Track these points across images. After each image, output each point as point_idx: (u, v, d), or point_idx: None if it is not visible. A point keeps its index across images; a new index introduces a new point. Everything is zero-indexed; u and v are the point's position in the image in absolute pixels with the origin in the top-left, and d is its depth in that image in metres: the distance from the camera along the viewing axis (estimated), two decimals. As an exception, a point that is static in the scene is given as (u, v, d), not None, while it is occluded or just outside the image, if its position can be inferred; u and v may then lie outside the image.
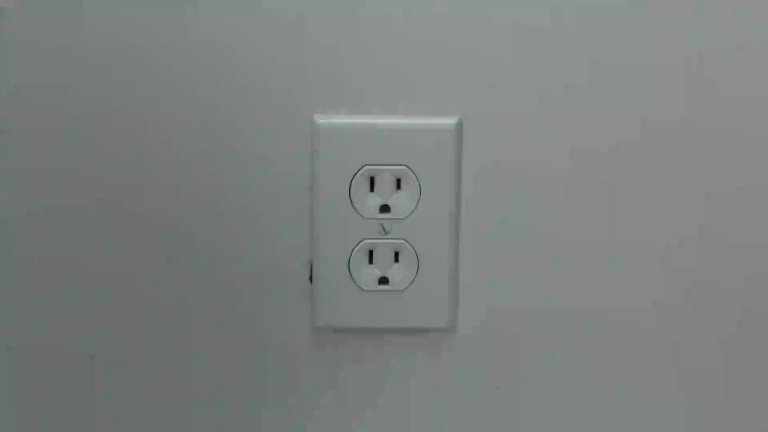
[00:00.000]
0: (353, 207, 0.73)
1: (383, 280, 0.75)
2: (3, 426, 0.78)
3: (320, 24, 0.71)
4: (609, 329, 0.77)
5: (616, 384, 0.78)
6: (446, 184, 0.73)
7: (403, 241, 0.74)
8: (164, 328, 0.76)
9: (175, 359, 0.77)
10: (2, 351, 0.76)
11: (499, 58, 0.72)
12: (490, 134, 0.73)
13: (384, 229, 0.74)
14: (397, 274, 0.75)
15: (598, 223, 0.75)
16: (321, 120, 0.72)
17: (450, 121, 0.72)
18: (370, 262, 0.75)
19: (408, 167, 0.73)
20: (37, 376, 0.77)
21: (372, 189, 0.73)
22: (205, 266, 0.75)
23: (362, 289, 0.75)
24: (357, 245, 0.74)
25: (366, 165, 0.73)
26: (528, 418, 0.79)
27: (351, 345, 0.77)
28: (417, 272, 0.74)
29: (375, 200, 0.73)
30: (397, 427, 0.79)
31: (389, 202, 0.73)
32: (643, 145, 0.74)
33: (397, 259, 0.75)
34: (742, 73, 0.72)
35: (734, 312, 0.77)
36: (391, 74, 0.72)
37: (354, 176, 0.73)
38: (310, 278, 0.75)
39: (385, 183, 0.73)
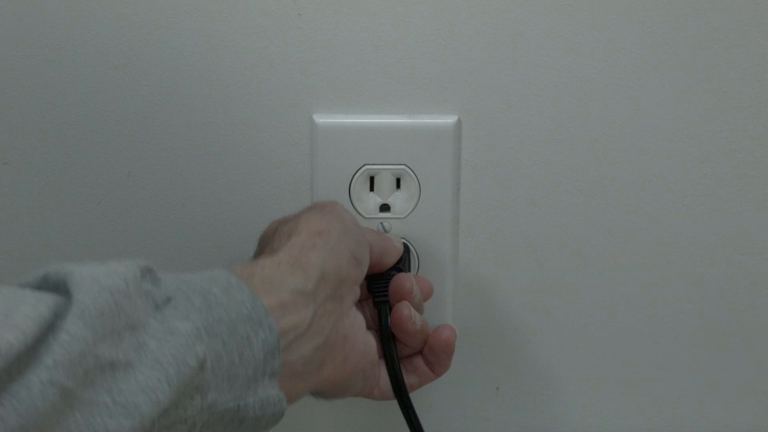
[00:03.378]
0: (353, 206, 0.73)
1: (384, 280, 0.75)
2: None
3: (321, 23, 0.71)
4: (609, 329, 0.77)
5: (617, 384, 0.78)
6: (446, 183, 0.73)
7: (404, 241, 0.74)
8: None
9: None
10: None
11: (499, 58, 0.72)
12: (490, 133, 0.73)
13: (384, 228, 0.74)
14: (397, 273, 0.75)
15: (597, 222, 0.75)
16: (320, 120, 0.72)
17: (449, 120, 0.72)
18: (370, 261, 0.74)
19: (408, 167, 0.73)
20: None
21: (372, 189, 0.73)
22: (206, 266, 0.75)
23: (362, 289, 0.75)
24: (357, 245, 0.74)
25: (366, 165, 0.73)
26: (528, 418, 0.79)
27: (351, 345, 0.77)
28: (417, 272, 0.74)
29: (375, 200, 0.73)
30: (397, 428, 0.79)
31: (389, 202, 0.73)
32: (643, 144, 0.74)
33: (397, 259, 0.75)
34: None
35: (736, 312, 0.77)
36: (392, 74, 0.72)
37: (354, 176, 0.73)
38: (310, 278, 0.75)
39: (384, 182, 0.73)
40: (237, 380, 0.54)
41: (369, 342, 0.65)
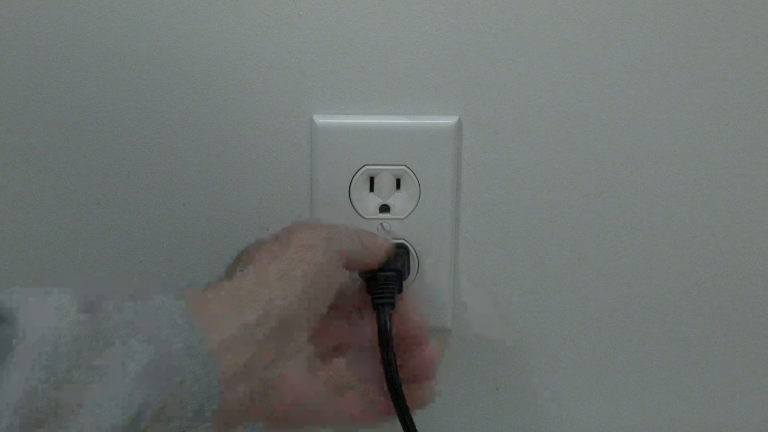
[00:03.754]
0: (353, 207, 0.73)
1: (383, 280, 0.75)
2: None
3: (321, 23, 0.71)
4: (609, 329, 0.77)
5: (617, 384, 0.78)
6: (446, 184, 0.73)
7: (402, 242, 0.74)
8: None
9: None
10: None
11: (499, 58, 0.72)
12: (490, 133, 0.73)
13: (384, 229, 0.74)
14: (397, 274, 0.75)
15: (597, 223, 0.75)
16: (320, 120, 0.72)
17: (450, 120, 0.72)
18: (370, 262, 0.74)
19: (408, 167, 0.73)
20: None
21: (372, 189, 0.73)
22: (206, 268, 0.75)
23: (362, 289, 0.75)
24: (357, 245, 0.74)
25: (366, 165, 0.73)
26: (528, 418, 0.79)
27: (351, 345, 0.77)
28: (417, 272, 0.74)
29: (375, 200, 0.73)
30: (397, 428, 0.79)
31: (389, 202, 0.73)
32: (644, 144, 0.74)
33: (397, 260, 0.75)
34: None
35: (736, 312, 0.77)
36: (392, 74, 0.72)
37: (354, 176, 0.73)
38: (310, 278, 0.75)
39: (385, 183, 0.73)
40: (172, 423, 0.53)
41: (308, 390, 0.62)
